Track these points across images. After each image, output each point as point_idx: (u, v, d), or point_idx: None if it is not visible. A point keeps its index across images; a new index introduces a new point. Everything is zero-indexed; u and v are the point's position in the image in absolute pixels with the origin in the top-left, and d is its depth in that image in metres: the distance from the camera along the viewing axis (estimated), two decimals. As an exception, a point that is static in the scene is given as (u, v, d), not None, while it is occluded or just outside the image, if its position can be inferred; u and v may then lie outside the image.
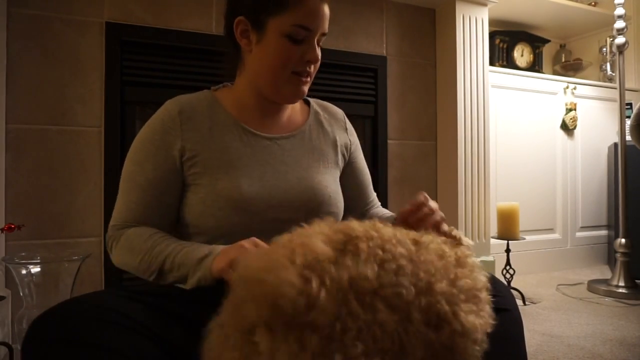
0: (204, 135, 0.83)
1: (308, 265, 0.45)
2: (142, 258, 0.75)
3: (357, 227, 0.53)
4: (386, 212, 1.03)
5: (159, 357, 0.60)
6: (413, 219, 0.73)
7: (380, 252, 0.50)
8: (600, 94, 2.66)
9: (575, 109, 2.54)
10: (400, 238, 0.54)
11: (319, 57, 0.85)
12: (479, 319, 0.54)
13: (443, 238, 0.63)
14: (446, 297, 0.52)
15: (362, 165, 1.04)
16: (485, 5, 2.18)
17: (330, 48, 1.90)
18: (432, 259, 0.54)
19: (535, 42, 2.62)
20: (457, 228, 2.08)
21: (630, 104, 2.44)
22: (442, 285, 0.52)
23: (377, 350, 0.45)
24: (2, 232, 1.30)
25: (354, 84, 2.04)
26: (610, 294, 1.96)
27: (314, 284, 0.43)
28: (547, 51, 2.83)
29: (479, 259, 1.96)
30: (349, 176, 0.99)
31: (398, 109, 2.15)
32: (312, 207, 0.84)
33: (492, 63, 2.37)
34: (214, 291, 0.55)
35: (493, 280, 0.75)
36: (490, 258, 1.92)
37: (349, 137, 1.01)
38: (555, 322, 1.59)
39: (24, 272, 1.17)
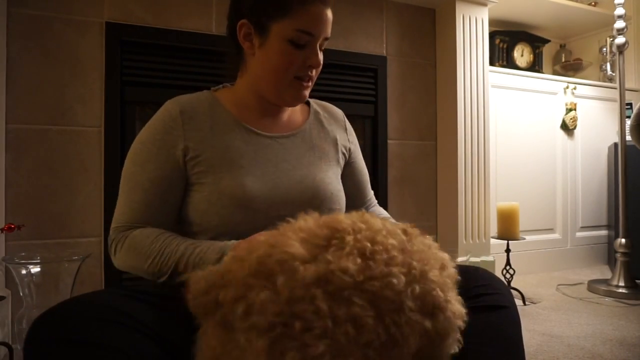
0: (206, 135, 0.83)
1: (257, 271, 0.46)
2: (152, 261, 0.75)
3: (343, 220, 0.53)
4: (383, 212, 1.04)
5: (159, 356, 0.60)
6: None
7: (368, 245, 0.50)
8: (600, 94, 2.66)
9: (575, 109, 2.54)
10: (391, 229, 0.55)
11: (321, 62, 0.85)
12: (461, 305, 0.55)
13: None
14: (439, 285, 0.52)
15: (362, 165, 1.05)
16: (485, 5, 2.18)
17: (330, 48, 1.89)
18: (423, 248, 0.55)
19: (535, 42, 2.62)
20: (457, 228, 2.09)
21: (630, 104, 2.44)
22: (435, 274, 0.53)
23: (354, 346, 0.45)
24: (2, 232, 1.30)
25: (354, 84, 2.04)
26: (610, 294, 1.96)
27: (255, 291, 0.45)
28: (547, 51, 2.83)
29: (479, 259, 1.93)
30: (348, 176, 1.00)
31: (398, 109, 2.15)
32: (314, 205, 0.84)
33: (492, 63, 2.37)
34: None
35: (491, 277, 0.75)
36: (490, 258, 1.92)
37: (349, 137, 1.02)
38: (555, 322, 1.59)
39: (24, 272, 1.17)
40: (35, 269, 1.18)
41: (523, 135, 2.42)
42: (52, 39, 1.54)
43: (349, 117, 1.06)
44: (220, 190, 0.80)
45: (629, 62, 2.67)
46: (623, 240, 2.04)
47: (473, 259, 1.90)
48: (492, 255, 2.05)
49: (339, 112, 1.03)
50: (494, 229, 2.12)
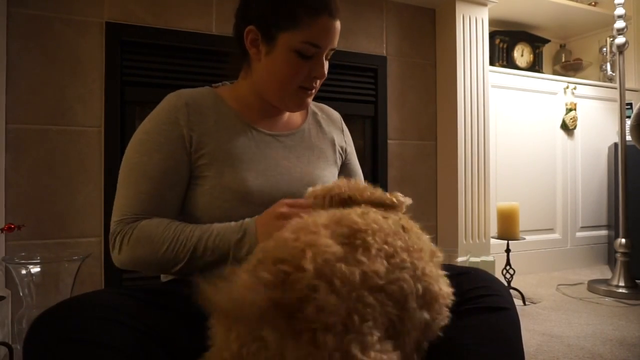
0: (210, 128, 0.84)
1: (318, 271, 0.47)
2: (167, 247, 0.74)
3: (357, 219, 0.55)
4: None
5: (160, 355, 0.60)
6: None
7: (385, 247, 0.52)
8: (600, 94, 2.66)
9: (575, 109, 2.54)
10: (395, 229, 0.57)
11: (326, 74, 0.87)
12: (447, 285, 0.60)
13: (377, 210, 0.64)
14: (434, 277, 0.56)
15: (357, 166, 1.07)
16: (485, 5, 2.18)
17: (330, 48, 1.90)
18: (418, 242, 0.58)
19: (535, 42, 2.62)
20: (457, 228, 2.09)
21: (630, 104, 2.43)
22: (430, 268, 0.56)
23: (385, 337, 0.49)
24: (2, 232, 1.30)
25: (354, 84, 2.04)
26: (610, 294, 1.96)
27: (322, 291, 0.45)
28: (547, 51, 2.83)
29: (479, 259, 1.93)
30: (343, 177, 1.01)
31: (398, 109, 2.15)
32: None
33: (492, 63, 2.37)
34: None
35: (491, 279, 0.76)
36: (490, 258, 1.92)
37: (345, 138, 1.04)
38: (555, 322, 1.59)
39: (24, 272, 1.17)
40: (35, 269, 1.18)
41: (523, 135, 2.42)
42: (52, 39, 1.54)
43: (349, 117, 1.07)
44: (223, 185, 0.80)
45: (629, 62, 2.67)
46: (623, 240, 2.04)
47: (473, 259, 1.90)
48: (492, 255, 2.05)
49: (336, 114, 1.06)
50: (494, 229, 2.12)
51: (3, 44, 1.46)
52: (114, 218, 0.80)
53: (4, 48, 1.46)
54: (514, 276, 1.90)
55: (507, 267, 1.89)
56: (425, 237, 0.62)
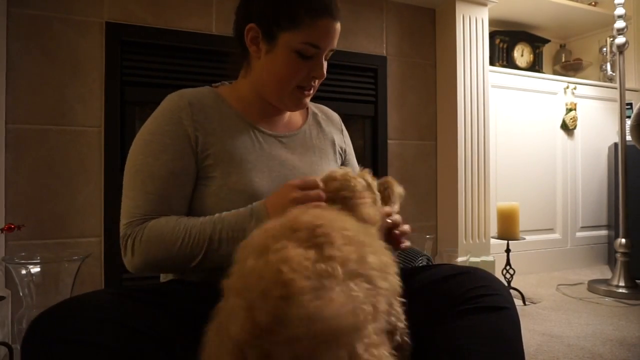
0: (214, 128, 0.84)
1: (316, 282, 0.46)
2: (181, 243, 0.73)
3: (308, 219, 0.53)
4: None
5: (159, 355, 0.60)
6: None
7: (347, 238, 0.52)
8: (600, 94, 2.66)
9: (575, 109, 2.54)
10: (352, 235, 0.54)
11: (325, 74, 0.87)
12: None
13: None
14: (379, 250, 0.55)
15: (355, 166, 1.07)
16: (485, 5, 2.18)
17: (330, 48, 1.90)
18: (366, 233, 0.56)
19: (535, 42, 2.62)
20: (457, 228, 2.09)
21: (631, 104, 2.43)
22: (372, 259, 0.53)
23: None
24: (2, 232, 1.30)
25: (354, 84, 2.04)
26: (610, 294, 1.96)
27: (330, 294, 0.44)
28: (547, 51, 2.83)
29: (479, 259, 1.93)
30: None
31: (398, 109, 2.15)
32: None
33: (492, 63, 2.37)
34: (216, 290, 0.55)
35: (491, 278, 0.76)
36: (490, 258, 1.92)
37: (344, 139, 1.05)
38: (555, 322, 1.59)
39: (24, 272, 1.17)
40: (35, 269, 1.18)
41: (523, 135, 2.42)
42: (52, 39, 1.54)
43: (349, 117, 1.07)
44: (230, 186, 0.80)
45: (629, 62, 2.67)
46: (623, 240, 2.04)
47: (473, 259, 1.90)
48: (492, 255, 2.05)
49: (335, 115, 1.06)
50: (494, 229, 2.12)
51: (3, 44, 1.46)
52: (123, 221, 0.78)
53: (4, 48, 1.46)
54: (514, 276, 1.90)
55: (507, 267, 1.89)
56: (372, 233, 0.60)
